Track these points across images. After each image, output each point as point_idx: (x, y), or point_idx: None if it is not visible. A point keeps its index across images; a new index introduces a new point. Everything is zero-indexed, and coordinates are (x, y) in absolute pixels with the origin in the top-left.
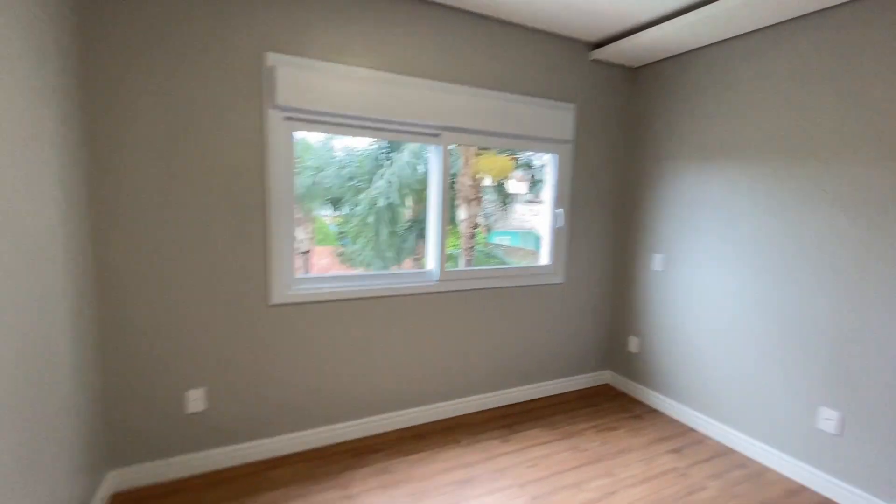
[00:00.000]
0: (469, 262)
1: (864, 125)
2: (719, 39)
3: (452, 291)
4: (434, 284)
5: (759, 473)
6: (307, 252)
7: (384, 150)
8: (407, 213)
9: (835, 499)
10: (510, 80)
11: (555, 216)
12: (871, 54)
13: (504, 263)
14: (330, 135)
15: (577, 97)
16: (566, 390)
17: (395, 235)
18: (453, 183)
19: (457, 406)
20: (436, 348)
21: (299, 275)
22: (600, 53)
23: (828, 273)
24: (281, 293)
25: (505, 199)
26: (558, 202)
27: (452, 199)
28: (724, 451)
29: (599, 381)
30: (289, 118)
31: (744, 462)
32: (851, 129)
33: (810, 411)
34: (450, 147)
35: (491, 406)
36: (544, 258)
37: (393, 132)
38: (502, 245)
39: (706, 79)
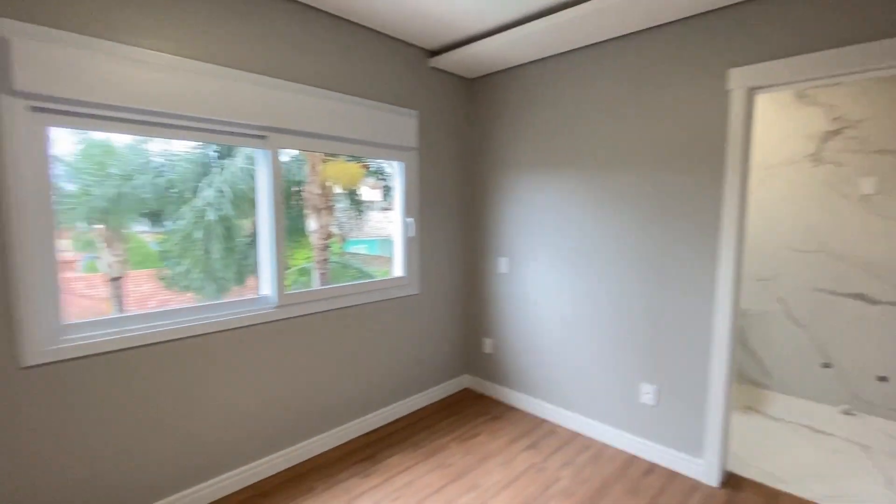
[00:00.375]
0: (324, 276)
1: (659, 138)
2: (546, 56)
3: (295, 317)
4: (271, 311)
5: (600, 452)
6: (118, 278)
7: (214, 155)
8: (248, 225)
9: (660, 462)
10: (352, 82)
11: (405, 225)
12: (659, 76)
13: (362, 273)
14: (129, 135)
15: (419, 104)
16: (429, 402)
17: (233, 252)
18: (300, 191)
19: (310, 446)
20: (278, 386)
21: (101, 314)
22: (438, 61)
23: (639, 264)
24: (39, 347)
25: (358, 207)
26: (408, 211)
27: (301, 208)
28: (572, 437)
29: (460, 387)
30: (37, 109)
31: (588, 444)
32: (650, 141)
33: (634, 388)
34: (293, 153)
35: (351, 437)
36: (398, 269)
37: (204, 132)
38: (360, 254)
39: (535, 93)
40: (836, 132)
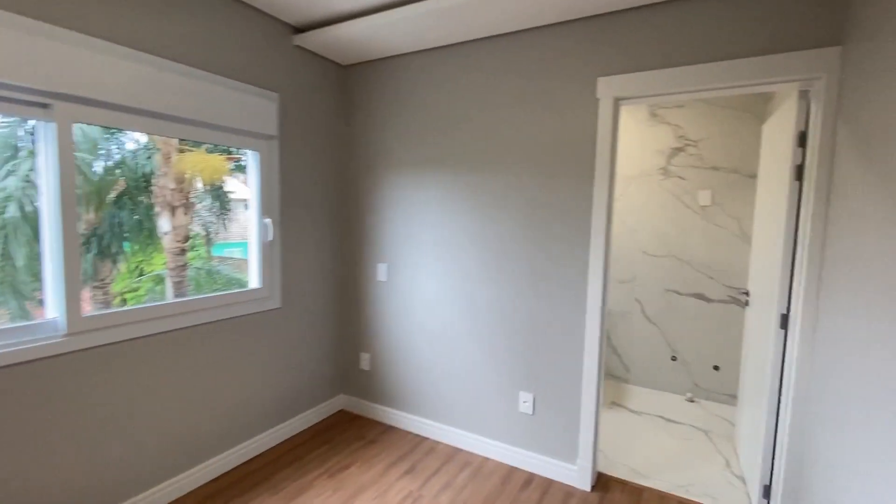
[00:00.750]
0: (181, 285)
1: (539, 141)
2: (428, 47)
3: (101, 347)
4: (58, 341)
5: (480, 467)
6: None
7: (26, 133)
8: (81, 221)
9: (538, 472)
10: (192, 48)
11: (262, 228)
12: (540, 79)
13: (231, 281)
14: None
15: (281, 86)
16: (300, 430)
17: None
18: (149, 186)
19: None
20: (78, 445)
21: None
22: (303, 40)
23: (518, 268)
24: None
25: (225, 204)
26: (265, 210)
27: (150, 206)
28: (453, 454)
29: (335, 409)
30: None
31: (469, 459)
32: (531, 144)
33: (513, 397)
34: (142, 140)
35: (192, 488)
36: (254, 280)
37: None
38: (232, 258)
39: (417, 86)
40: (680, 149)
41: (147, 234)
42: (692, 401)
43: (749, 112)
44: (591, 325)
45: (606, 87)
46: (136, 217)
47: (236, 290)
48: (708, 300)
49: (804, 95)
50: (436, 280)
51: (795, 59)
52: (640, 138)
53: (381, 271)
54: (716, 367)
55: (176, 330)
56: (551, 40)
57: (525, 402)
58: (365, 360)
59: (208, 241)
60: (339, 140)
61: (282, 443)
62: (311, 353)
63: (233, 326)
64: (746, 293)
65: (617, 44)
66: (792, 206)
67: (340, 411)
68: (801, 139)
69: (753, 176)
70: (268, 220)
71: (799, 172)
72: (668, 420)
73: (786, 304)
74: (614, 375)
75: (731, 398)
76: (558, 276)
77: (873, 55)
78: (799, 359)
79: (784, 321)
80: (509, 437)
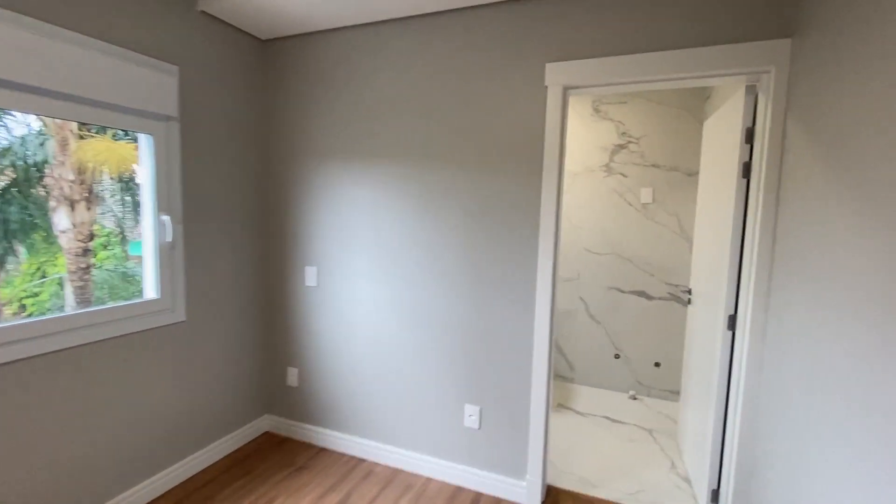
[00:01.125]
0: (83, 291)
1: (484, 131)
2: (362, 22)
3: None
4: None
5: (423, 489)
6: None
7: None
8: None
9: (485, 490)
10: (60, 2)
11: (159, 227)
12: (486, 62)
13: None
14: None
15: (183, 59)
16: (215, 460)
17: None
18: (41, 176)
19: None
20: None
21: None
22: (209, 4)
23: (463, 270)
24: None
25: (135, 198)
26: (163, 206)
27: (42, 199)
28: (393, 476)
29: (259, 432)
30: None
31: (411, 481)
32: (475, 133)
33: (458, 411)
34: (34, 124)
35: None
36: (150, 290)
37: None
38: None
39: (349, 66)
40: (623, 146)
41: (41, 232)
42: (635, 398)
43: (687, 110)
44: (541, 328)
45: (555, 75)
46: (27, 213)
47: (126, 303)
48: (649, 297)
49: (751, 90)
50: (372, 284)
51: (745, 51)
52: (584, 133)
53: (310, 275)
54: (657, 364)
55: (55, 352)
56: (499, 21)
57: (471, 415)
58: (293, 376)
59: (124, 239)
60: (258, 126)
61: (193, 476)
62: (228, 370)
63: (128, 344)
64: (688, 291)
65: (567, 28)
66: (739, 204)
67: (265, 434)
68: (749, 135)
69: (693, 174)
70: (165, 218)
71: (746, 169)
72: (614, 420)
73: (733, 305)
74: (560, 375)
75: (672, 394)
76: (505, 278)
77: (825, 48)
78: (748, 361)
79: (732, 322)
80: (454, 455)
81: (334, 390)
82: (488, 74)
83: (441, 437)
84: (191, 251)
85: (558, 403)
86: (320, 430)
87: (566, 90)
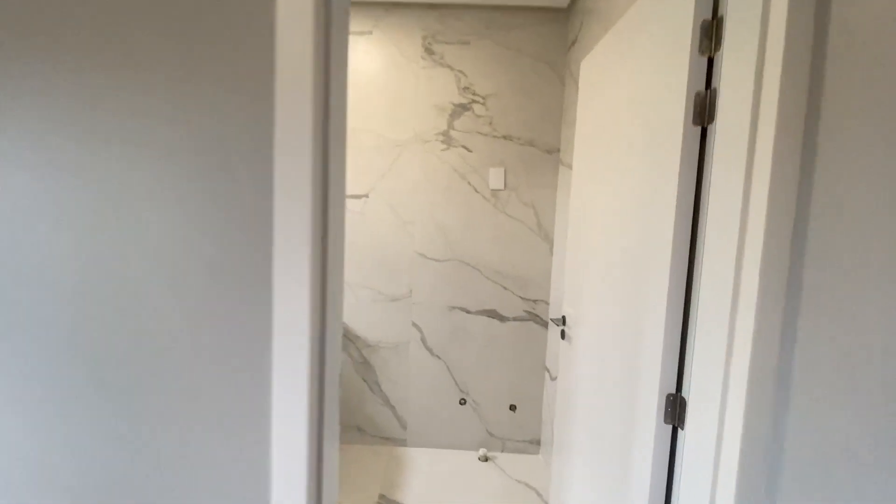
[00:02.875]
0: None
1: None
2: None
3: None
4: None
5: None
6: None
7: None
8: None
9: None
10: None
11: None
12: None
13: None
14: None
15: None
16: None
17: None
18: None
19: None
20: None
21: None
22: None
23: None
24: None
25: None
26: None
27: None
28: None
29: None
30: None
31: None
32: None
33: None
34: None
35: None
36: None
37: None
38: None
39: None
40: (465, 107)
41: None
42: (486, 459)
43: (546, 63)
44: (291, 462)
45: None
46: None
47: None
48: (502, 318)
49: None
50: None
51: None
52: (413, 84)
53: None
54: (512, 408)
55: None
56: None
57: None
58: None
59: None
60: None
61: None
62: None
63: None
64: (562, 320)
65: None
66: (686, 179)
67: None
68: (707, 32)
69: (553, 151)
70: None
71: (702, 107)
72: None
73: (674, 379)
74: (387, 437)
75: (532, 445)
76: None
77: None
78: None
79: (674, 408)
80: None
81: None
82: None
83: None
84: None
85: (380, 495)
86: None
87: None
